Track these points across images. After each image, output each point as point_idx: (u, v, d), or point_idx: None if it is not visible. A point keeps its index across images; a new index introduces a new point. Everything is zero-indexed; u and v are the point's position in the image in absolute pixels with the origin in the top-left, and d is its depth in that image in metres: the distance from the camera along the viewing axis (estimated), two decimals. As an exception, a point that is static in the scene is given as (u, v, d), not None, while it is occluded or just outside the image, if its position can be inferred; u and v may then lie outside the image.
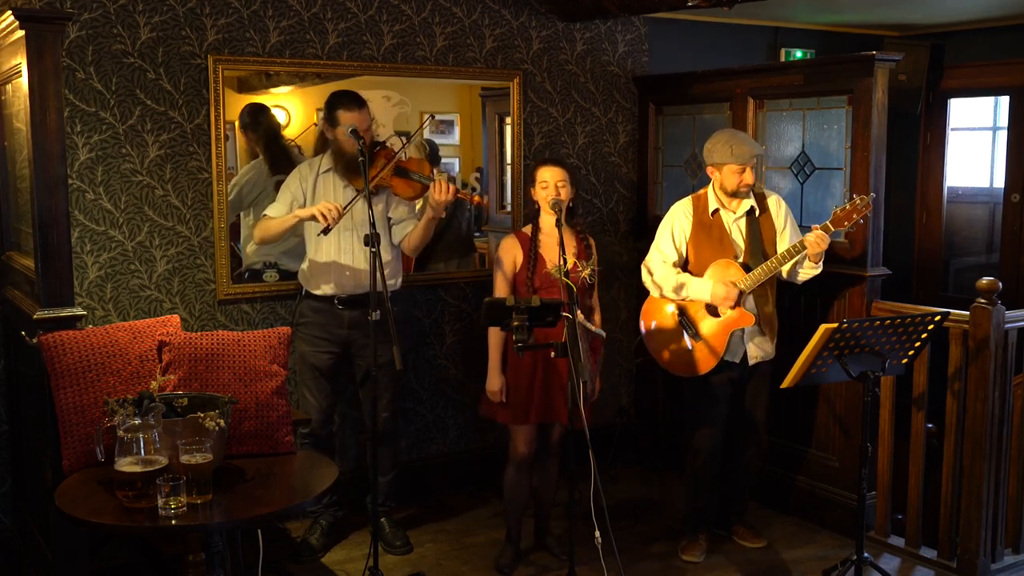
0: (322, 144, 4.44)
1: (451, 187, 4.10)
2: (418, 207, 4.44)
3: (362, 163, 3.79)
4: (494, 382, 4.06)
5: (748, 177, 4.08)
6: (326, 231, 3.94)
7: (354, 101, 4.14)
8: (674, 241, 4.20)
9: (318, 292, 4.22)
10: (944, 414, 4.11)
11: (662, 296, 4.22)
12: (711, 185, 4.21)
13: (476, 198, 4.37)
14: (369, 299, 4.17)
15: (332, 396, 4.33)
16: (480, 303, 3.86)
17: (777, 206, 4.21)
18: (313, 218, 3.97)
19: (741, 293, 4.03)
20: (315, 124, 4.62)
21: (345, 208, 3.97)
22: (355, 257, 4.17)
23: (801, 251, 3.98)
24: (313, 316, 4.23)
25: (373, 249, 3.63)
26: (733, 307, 4.04)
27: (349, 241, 4.17)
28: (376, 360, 3.67)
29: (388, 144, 4.27)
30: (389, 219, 4.28)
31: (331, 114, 4.14)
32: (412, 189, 4.26)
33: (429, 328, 5.03)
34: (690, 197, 4.30)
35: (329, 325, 4.21)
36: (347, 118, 4.08)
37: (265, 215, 4.20)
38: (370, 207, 3.74)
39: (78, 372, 3.21)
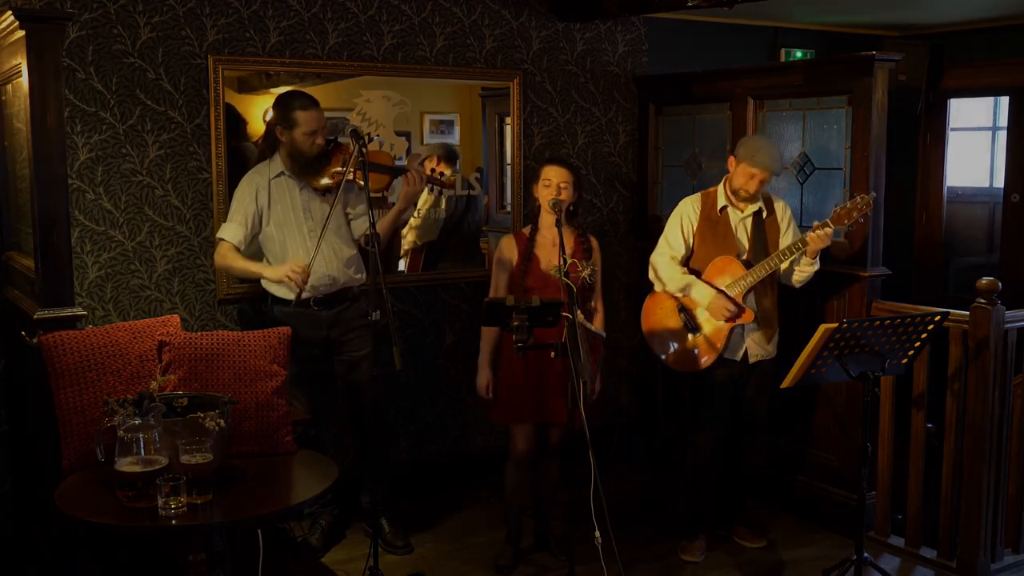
0: (270, 147, 4.24)
1: (422, 175, 4.15)
2: (391, 198, 4.44)
3: (363, 162, 3.78)
4: (481, 377, 4.09)
5: (752, 185, 4.09)
6: (298, 297, 3.93)
7: (311, 101, 4.09)
8: (683, 233, 4.22)
9: (293, 297, 4.13)
10: (944, 414, 4.11)
11: (664, 290, 4.23)
12: (722, 182, 4.22)
13: (449, 179, 4.37)
14: (344, 296, 4.21)
15: (315, 398, 4.31)
16: (480, 303, 3.87)
17: (783, 211, 4.24)
18: (281, 282, 3.98)
19: (739, 308, 4.05)
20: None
21: (310, 264, 3.93)
22: (327, 257, 4.12)
23: (801, 248, 3.99)
24: (291, 321, 4.06)
25: (372, 249, 3.63)
26: (727, 320, 4.06)
27: (316, 242, 4.10)
28: (353, 357, 3.65)
29: (341, 141, 4.23)
30: (348, 214, 4.24)
31: (288, 115, 4.05)
32: (380, 181, 4.25)
33: (429, 328, 5.03)
34: (700, 193, 4.31)
35: (308, 328, 4.13)
36: (305, 118, 4.02)
37: (223, 240, 4.08)
38: (370, 206, 3.74)
39: (78, 372, 3.22)
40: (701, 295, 4.10)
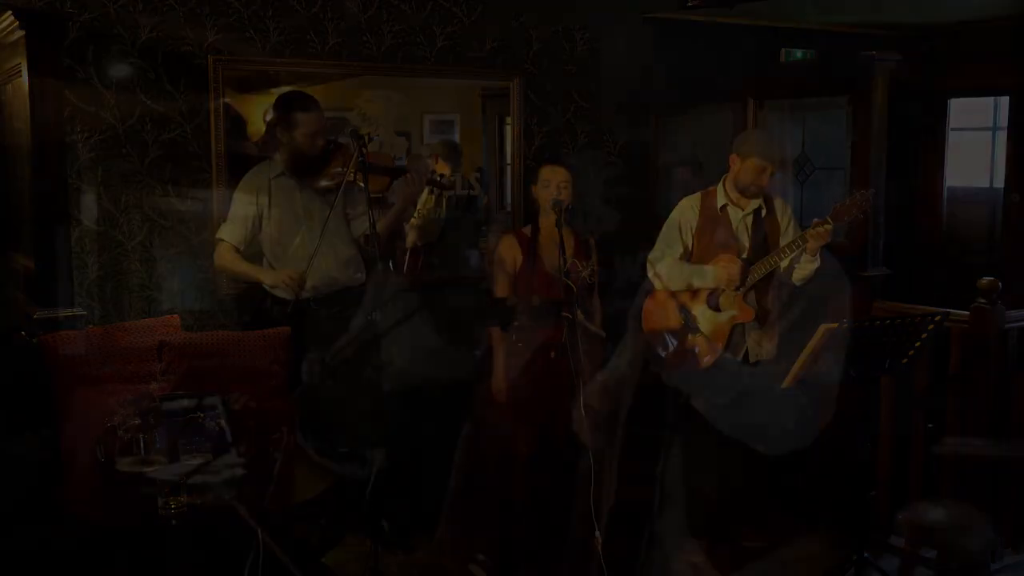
0: (270, 147, 4.25)
1: (421, 176, 4.18)
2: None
3: (362, 162, 3.78)
4: (497, 380, 4.07)
5: (763, 179, 4.07)
6: (297, 298, 3.91)
7: (311, 102, 4.09)
8: (680, 233, 4.21)
9: (292, 297, 4.11)
10: (944, 414, 4.11)
11: (664, 290, 4.23)
12: (722, 181, 4.21)
13: (449, 179, 4.38)
14: (345, 296, 4.20)
15: (316, 398, 4.31)
16: (479, 302, 3.87)
17: (783, 208, 4.23)
18: (276, 287, 3.97)
19: (746, 269, 4.02)
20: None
21: (307, 269, 3.92)
22: (326, 257, 4.11)
23: (802, 245, 3.98)
24: (290, 321, 4.08)
25: (372, 249, 3.63)
26: (737, 288, 4.04)
27: (316, 243, 4.11)
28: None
29: (341, 142, 4.24)
30: (347, 214, 4.24)
31: (288, 116, 4.05)
32: (379, 182, 4.26)
33: (429, 328, 5.02)
34: (700, 192, 4.30)
35: (308, 328, 4.10)
36: (306, 119, 4.02)
37: (222, 240, 4.08)
38: (370, 207, 3.74)
39: (78, 372, 3.22)
40: (705, 275, 4.08)
